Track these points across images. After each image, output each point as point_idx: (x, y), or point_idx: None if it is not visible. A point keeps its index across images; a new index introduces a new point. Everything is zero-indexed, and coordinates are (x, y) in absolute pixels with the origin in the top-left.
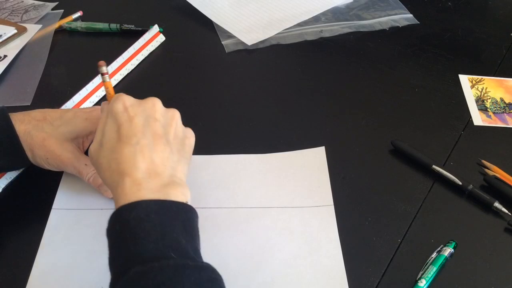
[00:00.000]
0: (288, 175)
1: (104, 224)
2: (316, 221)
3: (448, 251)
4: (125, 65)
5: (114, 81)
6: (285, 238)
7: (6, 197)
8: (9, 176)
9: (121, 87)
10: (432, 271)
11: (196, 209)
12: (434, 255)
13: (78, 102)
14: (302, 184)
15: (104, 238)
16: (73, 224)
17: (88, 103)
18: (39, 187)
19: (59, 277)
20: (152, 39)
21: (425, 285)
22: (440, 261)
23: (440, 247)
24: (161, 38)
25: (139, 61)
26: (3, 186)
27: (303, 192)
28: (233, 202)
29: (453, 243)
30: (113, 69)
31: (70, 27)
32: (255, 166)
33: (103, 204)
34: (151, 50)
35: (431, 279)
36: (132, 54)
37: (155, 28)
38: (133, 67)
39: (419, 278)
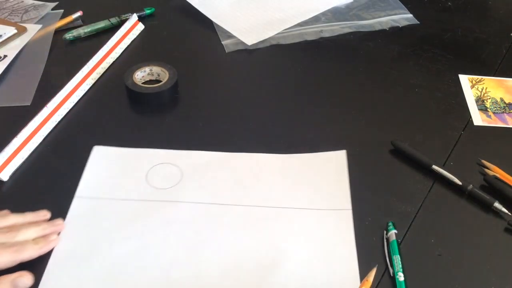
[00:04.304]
0: (308, 176)
1: (124, 214)
2: (333, 225)
3: (394, 234)
4: (105, 59)
5: (102, 70)
6: (300, 240)
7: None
8: (15, 164)
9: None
10: (399, 260)
11: (213, 205)
12: (386, 249)
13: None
14: (321, 186)
15: (123, 228)
16: (94, 212)
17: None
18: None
19: (78, 264)
20: (131, 28)
21: (403, 277)
22: (396, 247)
23: (384, 236)
24: (141, 26)
25: (118, 54)
26: (10, 173)
27: (322, 195)
28: (250, 201)
29: (391, 223)
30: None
31: (73, 36)
32: (275, 166)
33: (124, 195)
34: (132, 38)
35: (402, 268)
36: (111, 48)
37: (134, 17)
38: (112, 60)
39: (395, 273)
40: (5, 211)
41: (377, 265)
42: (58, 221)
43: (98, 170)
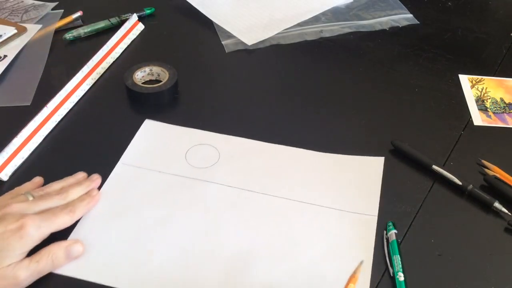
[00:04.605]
0: (340, 177)
1: (158, 185)
2: (355, 228)
3: (394, 234)
4: (105, 59)
5: (102, 70)
6: (318, 237)
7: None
8: (15, 164)
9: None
10: (399, 260)
11: (242, 190)
12: (386, 249)
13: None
14: (351, 189)
15: (155, 197)
16: (133, 179)
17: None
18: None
19: (107, 223)
20: (131, 28)
21: (403, 277)
22: (396, 247)
23: (384, 236)
24: (140, 26)
25: (118, 54)
26: (9, 173)
27: (350, 197)
28: (278, 192)
29: (391, 223)
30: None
31: (73, 36)
32: (310, 162)
33: (163, 168)
34: (132, 38)
35: (402, 268)
36: (111, 48)
37: (134, 17)
38: (112, 60)
39: (395, 273)
40: (38, 178)
41: (362, 260)
42: (95, 176)
43: (144, 141)
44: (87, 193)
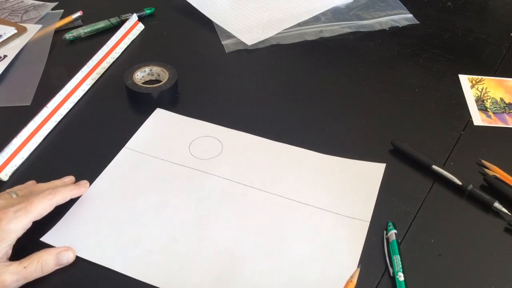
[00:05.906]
0: (338, 180)
1: (159, 172)
2: (346, 232)
3: (394, 234)
4: (105, 59)
5: (102, 70)
6: (308, 237)
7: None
8: (14, 164)
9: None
10: (399, 260)
11: (239, 184)
12: (386, 249)
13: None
14: (348, 193)
15: (153, 184)
16: (135, 165)
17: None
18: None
19: (102, 204)
20: (131, 28)
21: (403, 277)
22: (396, 247)
23: (384, 236)
24: (140, 26)
25: (118, 54)
26: (9, 173)
27: (345, 201)
28: (274, 189)
29: (391, 223)
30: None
31: (73, 36)
32: (310, 163)
33: (165, 156)
34: (132, 38)
35: (402, 268)
36: (111, 48)
37: (134, 17)
38: (112, 60)
39: (395, 273)
40: (32, 182)
41: (360, 265)
42: (83, 183)
43: (151, 129)
44: (75, 183)
